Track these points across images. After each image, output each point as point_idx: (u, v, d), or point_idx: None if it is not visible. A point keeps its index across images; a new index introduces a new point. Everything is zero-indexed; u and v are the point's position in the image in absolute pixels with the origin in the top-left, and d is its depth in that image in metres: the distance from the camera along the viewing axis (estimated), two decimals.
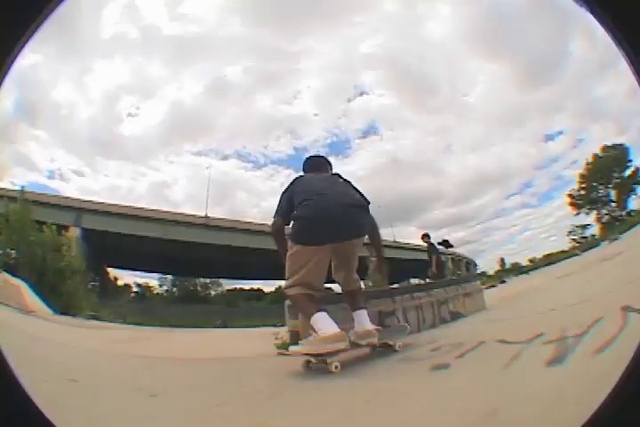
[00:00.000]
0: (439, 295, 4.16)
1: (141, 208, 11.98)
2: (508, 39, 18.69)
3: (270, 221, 2.61)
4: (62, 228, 8.03)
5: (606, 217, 21.62)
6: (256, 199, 21.14)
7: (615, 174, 21.34)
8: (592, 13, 0.74)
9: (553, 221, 19.77)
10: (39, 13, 0.79)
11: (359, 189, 2.68)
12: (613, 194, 21.58)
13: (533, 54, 18.44)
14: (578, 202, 22.20)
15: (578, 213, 20.70)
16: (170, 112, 17.74)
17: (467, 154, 21.77)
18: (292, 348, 2.51)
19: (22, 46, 0.78)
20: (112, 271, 14.14)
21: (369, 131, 21.62)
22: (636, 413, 0.64)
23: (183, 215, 12.74)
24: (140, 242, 11.27)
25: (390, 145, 20.53)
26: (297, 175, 2.80)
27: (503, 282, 13.83)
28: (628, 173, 20.69)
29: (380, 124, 21.15)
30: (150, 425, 1.27)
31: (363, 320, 2.59)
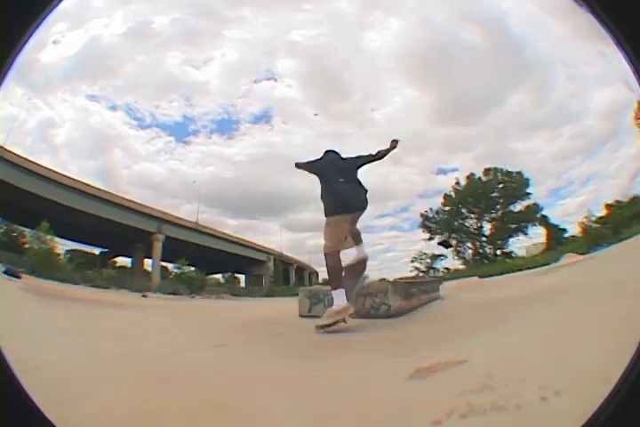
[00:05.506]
0: None
1: None
2: (445, 73, 18.01)
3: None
4: None
5: (470, 252, 18.10)
6: (129, 161, 19.87)
7: (498, 206, 17.55)
8: (592, 13, 0.74)
9: (419, 248, 19.61)
10: (40, 12, 0.80)
11: None
12: (487, 227, 17.83)
13: (462, 94, 17.75)
14: (432, 226, 18.69)
15: (430, 239, 18.48)
16: (85, 46, 16.72)
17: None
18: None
19: (23, 45, 0.78)
20: None
21: (262, 118, 20.52)
22: (636, 413, 0.64)
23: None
24: None
25: (279, 137, 19.87)
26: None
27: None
28: (518, 207, 17.02)
29: (276, 115, 20.37)
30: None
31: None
